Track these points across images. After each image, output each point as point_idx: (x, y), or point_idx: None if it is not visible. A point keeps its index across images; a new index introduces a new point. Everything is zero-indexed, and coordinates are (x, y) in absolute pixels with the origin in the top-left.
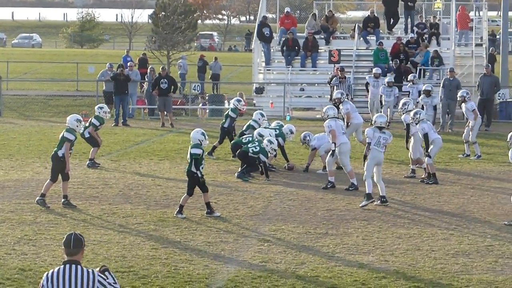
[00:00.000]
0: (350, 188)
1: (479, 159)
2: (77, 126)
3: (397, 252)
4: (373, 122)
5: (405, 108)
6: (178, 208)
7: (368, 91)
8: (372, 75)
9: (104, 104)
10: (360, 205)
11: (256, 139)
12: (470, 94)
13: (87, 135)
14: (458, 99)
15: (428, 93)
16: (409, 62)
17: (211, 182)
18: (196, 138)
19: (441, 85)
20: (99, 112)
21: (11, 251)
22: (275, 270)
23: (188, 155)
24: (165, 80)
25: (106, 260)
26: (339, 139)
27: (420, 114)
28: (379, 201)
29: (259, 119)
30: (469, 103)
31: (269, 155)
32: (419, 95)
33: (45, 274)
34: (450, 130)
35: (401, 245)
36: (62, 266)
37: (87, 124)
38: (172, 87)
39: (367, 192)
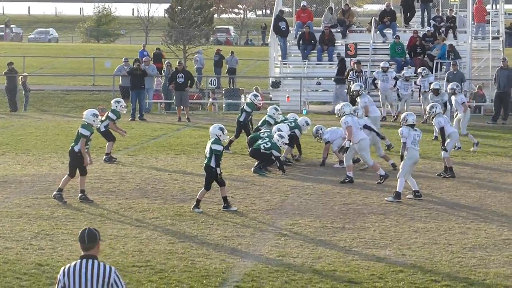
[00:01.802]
0: (380, 181)
1: (479, 147)
2: (94, 121)
3: (414, 246)
4: (402, 120)
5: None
6: (195, 203)
7: (375, 87)
8: (380, 69)
9: (121, 99)
10: (386, 199)
11: (267, 135)
12: (486, 86)
13: (102, 129)
14: (448, 91)
15: (436, 92)
16: (426, 56)
17: (228, 177)
18: (215, 133)
19: (445, 79)
20: (116, 106)
21: (28, 246)
22: (292, 264)
23: (207, 150)
24: (182, 74)
25: (123, 254)
26: (358, 135)
27: (436, 108)
28: (411, 195)
29: (273, 113)
30: (459, 96)
31: (282, 149)
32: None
33: (61, 269)
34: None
35: (418, 239)
36: (79, 260)
37: (103, 118)
38: (189, 81)
39: (398, 190)
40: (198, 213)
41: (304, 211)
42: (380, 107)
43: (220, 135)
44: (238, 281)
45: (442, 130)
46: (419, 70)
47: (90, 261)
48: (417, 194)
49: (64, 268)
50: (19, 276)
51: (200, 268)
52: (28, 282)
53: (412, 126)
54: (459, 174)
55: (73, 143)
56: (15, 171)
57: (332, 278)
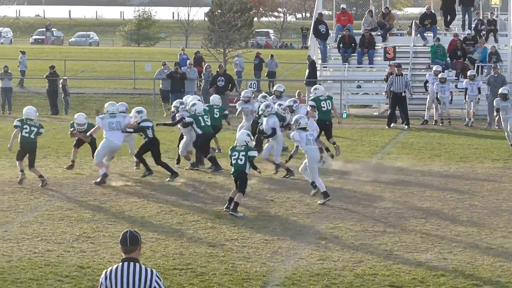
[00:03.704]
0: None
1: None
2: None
3: (456, 250)
4: (294, 123)
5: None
6: (232, 205)
7: (426, 90)
8: (432, 73)
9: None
10: (318, 203)
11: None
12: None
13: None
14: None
15: (505, 97)
16: (466, 59)
17: (268, 180)
18: (243, 139)
19: (487, 82)
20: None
21: (69, 248)
22: (333, 268)
23: (237, 156)
24: (222, 78)
25: (164, 257)
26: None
27: (271, 108)
28: (321, 201)
29: (278, 108)
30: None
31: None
32: (479, 92)
33: (103, 272)
34: (497, 127)
35: (460, 243)
36: (121, 263)
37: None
38: (229, 85)
39: (322, 191)
40: (238, 217)
41: (345, 215)
42: (425, 110)
43: (248, 141)
44: (278, 285)
45: (273, 130)
46: (468, 73)
47: (132, 264)
48: (327, 194)
49: (106, 271)
50: (60, 279)
51: (240, 271)
52: (69, 284)
53: (303, 129)
54: (500, 178)
55: (33, 136)
56: (56, 174)
57: (373, 282)
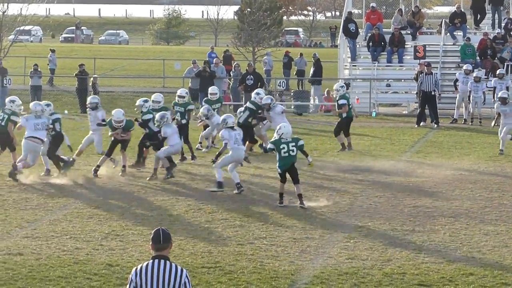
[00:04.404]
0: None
1: None
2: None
3: (485, 249)
4: (222, 122)
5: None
6: (301, 199)
7: (456, 89)
8: (463, 71)
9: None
10: (210, 189)
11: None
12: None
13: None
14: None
15: (504, 101)
16: (496, 58)
17: None
18: (291, 131)
19: None
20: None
21: (98, 246)
22: (361, 266)
23: (289, 148)
24: (251, 76)
25: (192, 255)
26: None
27: (165, 117)
28: (236, 190)
29: (255, 98)
30: (278, 107)
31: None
32: (507, 91)
33: (133, 269)
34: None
35: (489, 242)
36: (151, 261)
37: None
38: (259, 83)
39: (218, 180)
40: (304, 208)
41: (374, 214)
42: (454, 109)
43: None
44: (307, 283)
45: (163, 139)
46: (497, 72)
47: (162, 261)
48: (221, 185)
49: (136, 268)
50: (89, 277)
51: (269, 269)
52: (98, 282)
53: (231, 127)
54: None
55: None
56: (86, 172)
57: (402, 281)
